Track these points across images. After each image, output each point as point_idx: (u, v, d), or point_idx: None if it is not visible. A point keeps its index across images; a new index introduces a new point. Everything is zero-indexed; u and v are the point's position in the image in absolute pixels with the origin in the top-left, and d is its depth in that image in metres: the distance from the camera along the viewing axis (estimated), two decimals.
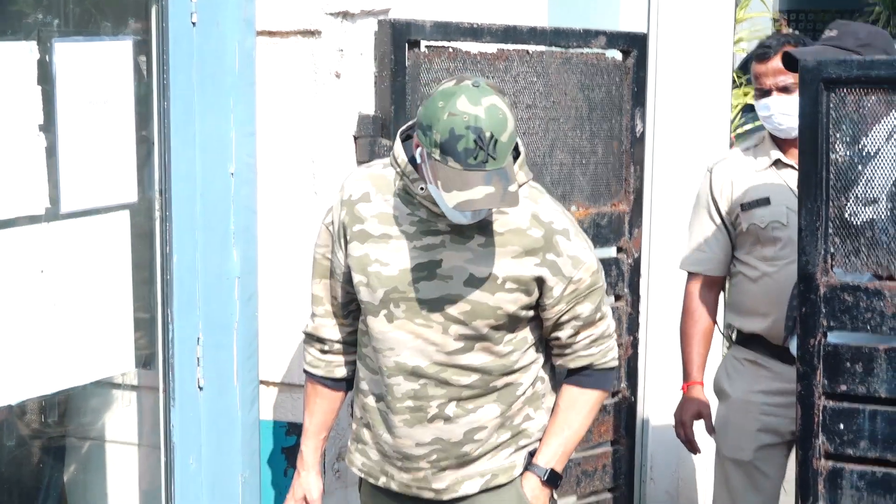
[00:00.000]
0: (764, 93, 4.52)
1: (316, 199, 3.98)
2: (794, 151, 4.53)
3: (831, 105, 3.74)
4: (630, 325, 4.77)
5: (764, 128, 4.66)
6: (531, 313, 3.45)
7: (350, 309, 3.57)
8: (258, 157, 3.79)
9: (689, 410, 4.61)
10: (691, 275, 4.70)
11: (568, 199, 4.47)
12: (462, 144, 3.15)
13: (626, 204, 4.70)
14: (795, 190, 4.48)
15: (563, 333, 3.49)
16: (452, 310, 3.37)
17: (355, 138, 4.06)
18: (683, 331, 4.69)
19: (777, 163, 4.58)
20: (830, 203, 3.77)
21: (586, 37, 4.55)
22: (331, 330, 3.59)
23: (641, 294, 4.92)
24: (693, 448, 4.66)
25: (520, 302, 3.40)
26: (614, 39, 4.68)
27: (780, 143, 4.59)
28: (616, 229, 4.68)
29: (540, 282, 3.40)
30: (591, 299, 3.47)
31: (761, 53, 4.53)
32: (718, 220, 4.61)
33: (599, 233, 4.61)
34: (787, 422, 4.59)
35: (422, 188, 3.35)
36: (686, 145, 5.74)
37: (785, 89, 4.47)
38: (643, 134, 4.78)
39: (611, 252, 4.77)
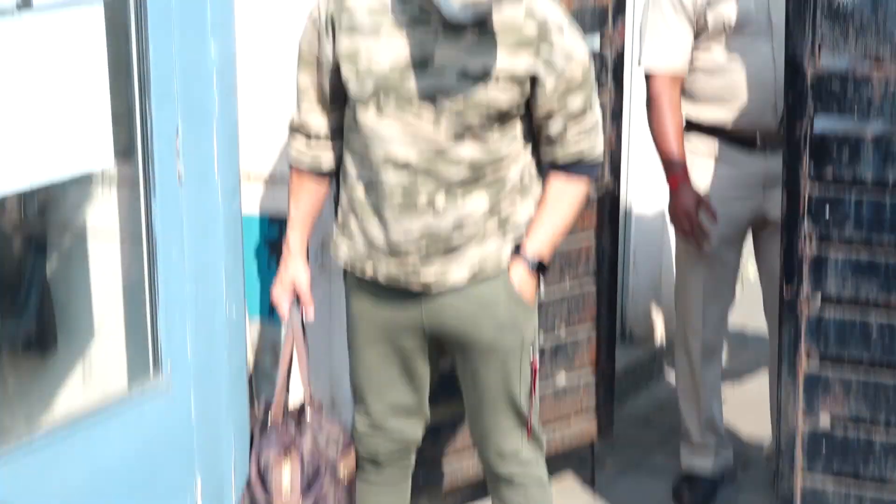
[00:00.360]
0: None
1: None
2: None
3: None
4: (614, 117, 4.73)
5: None
6: (524, 110, 3.42)
7: (337, 100, 3.53)
8: None
9: (688, 199, 4.60)
10: (654, 74, 4.64)
11: None
12: None
13: None
14: None
15: (553, 128, 3.46)
16: (444, 103, 3.34)
17: None
18: (659, 129, 4.65)
19: None
20: None
21: None
22: (317, 121, 3.55)
23: (625, 85, 4.87)
24: (705, 234, 4.63)
25: (513, 98, 3.37)
26: None
27: None
28: (600, 20, 4.61)
29: (533, 79, 3.37)
30: (582, 93, 3.45)
31: None
32: (683, 16, 4.54)
33: (583, 23, 4.53)
34: (745, 211, 4.65)
35: None
36: None
37: None
38: None
39: (594, 43, 4.70)
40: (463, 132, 3.38)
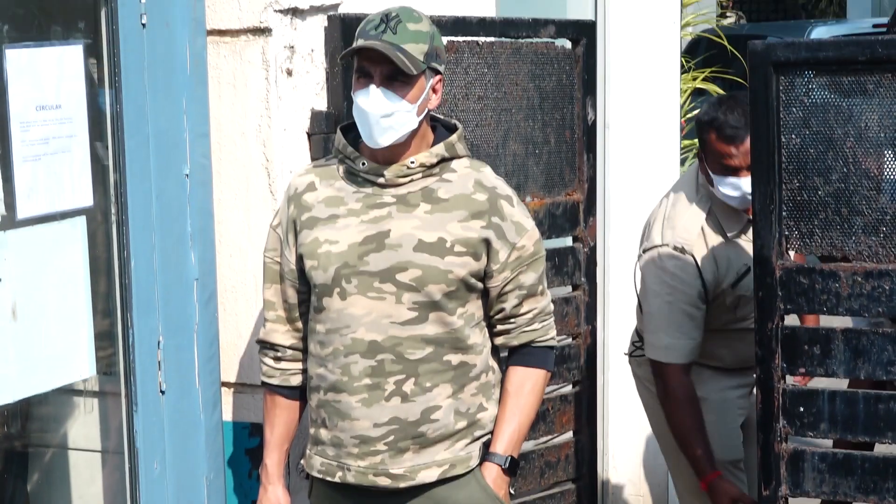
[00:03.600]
0: (732, 170, 4.36)
1: (272, 199, 3.97)
2: None
3: (781, 88, 3.76)
4: (588, 315, 4.78)
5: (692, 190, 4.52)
6: (480, 284, 3.50)
7: (302, 311, 3.58)
8: (212, 158, 3.79)
9: (725, 499, 4.35)
10: (671, 365, 4.44)
11: (522, 189, 4.48)
12: (369, 22, 3.41)
13: (580, 192, 4.72)
14: None
15: (508, 304, 3.54)
16: (403, 277, 3.42)
17: (309, 135, 4.07)
18: (682, 424, 4.42)
19: (748, 222, 4.43)
20: (783, 186, 3.79)
21: (535, 26, 4.56)
22: (283, 336, 3.60)
23: (598, 283, 4.92)
24: None
25: (469, 266, 3.45)
26: (563, 28, 4.70)
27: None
28: (571, 218, 4.69)
29: (487, 244, 3.46)
30: (533, 269, 3.55)
31: (731, 135, 4.34)
32: (703, 304, 4.44)
33: (555, 222, 4.63)
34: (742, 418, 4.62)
35: (363, 163, 3.45)
36: (638, 132, 5.77)
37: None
38: (595, 122, 4.79)
39: (567, 241, 4.78)
40: (426, 308, 3.44)
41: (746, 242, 4.40)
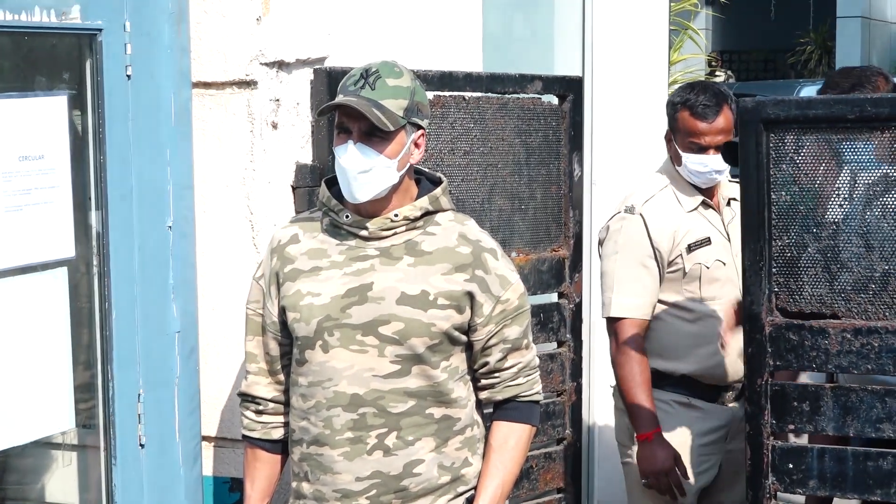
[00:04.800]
0: (700, 148, 4.54)
1: (255, 251, 3.95)
2: (713, 195, 4.63)
3: (771, 145, 3.77)
4: (573, 371, 4.75)
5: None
6: (464, 338, 3.46)
7: (284, 364, 3.55)
8: (196, 210, 3.77)
9: (667, 457, 4.48)
10: (622, 321, 4.55)
11: (508, 244, 4.46)
12: (349, 78, 3.39)
13: (566, 248, 4.71)
14: (722, 230, 4.54)
15: (492, 357, 3.51)
16: (386, 330, 3.39)
17: (293, 188, 4.05)
18: (630, 378, 4.53)
19: (703, 203, 4.63)
20: (773, 243, 3.79)
21: (522, 82, 4.57)
22: (264, 389, 3.56)
23: (584, 339, 4.90)
24: (681, 489, 4.51)
25: (452, 319, 3.42)
26: (550, 84, 4.70)
27: (698, 187, 4.64)
28: (557, 274, 4.68)
29: (471, 297, 3.43)
30: (518, 322, 3.52)
31: (703, 113, 4.52)
32: (654, 263, 4.55)
33: (540, 278, 4.61)
34: (710, 464, 4.61)
35: (347, 216, 3.43)
36: (624, 188, 5.75)
37: (719, 148, 4.52)
38: (581, 178, 4.79)
39: (552, 297, 4.76)
40: (409, 361, 3.41)
41: (706, 219, 4.61)
